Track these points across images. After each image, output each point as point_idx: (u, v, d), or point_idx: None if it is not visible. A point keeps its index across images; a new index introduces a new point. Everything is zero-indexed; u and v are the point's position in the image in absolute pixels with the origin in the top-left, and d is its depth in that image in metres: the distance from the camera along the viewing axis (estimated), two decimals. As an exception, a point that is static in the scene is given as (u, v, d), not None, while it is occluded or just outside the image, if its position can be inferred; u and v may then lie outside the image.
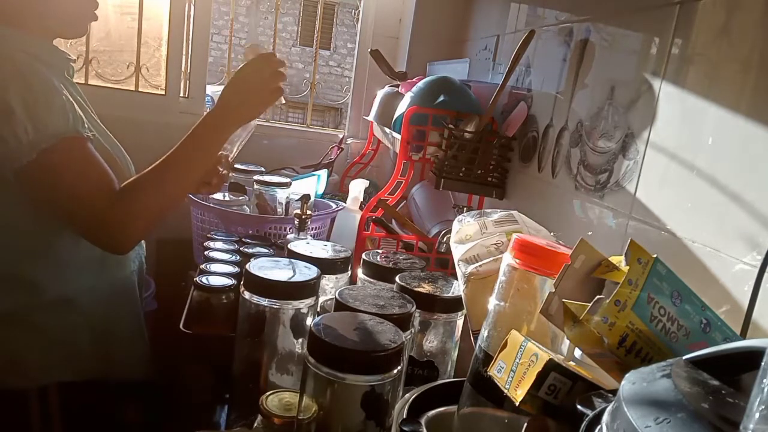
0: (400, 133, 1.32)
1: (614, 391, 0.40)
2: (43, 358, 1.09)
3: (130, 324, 1.22)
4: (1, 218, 1.02)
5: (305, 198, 1.34)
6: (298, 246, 1.02)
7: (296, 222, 1.31)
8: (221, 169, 1.24)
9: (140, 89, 2.11)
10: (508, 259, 0.63)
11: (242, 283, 0.85)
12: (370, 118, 1.80)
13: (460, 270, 0.82)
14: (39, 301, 1.07)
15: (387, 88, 1.73)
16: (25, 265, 1.06)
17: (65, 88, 1.07)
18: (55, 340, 1.10)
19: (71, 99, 1.03)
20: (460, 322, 0.88)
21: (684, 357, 0.39)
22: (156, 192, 1.02)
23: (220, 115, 1.07)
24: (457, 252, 0.84)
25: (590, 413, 0.42)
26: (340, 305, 0.77)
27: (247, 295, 0.83)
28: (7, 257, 1.05)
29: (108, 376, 1.15)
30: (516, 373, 0.53)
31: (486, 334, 0.64)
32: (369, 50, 1.80)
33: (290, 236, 1.32)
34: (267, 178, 1.63)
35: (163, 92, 2.10)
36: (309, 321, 0.84)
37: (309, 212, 1.32)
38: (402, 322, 0.74)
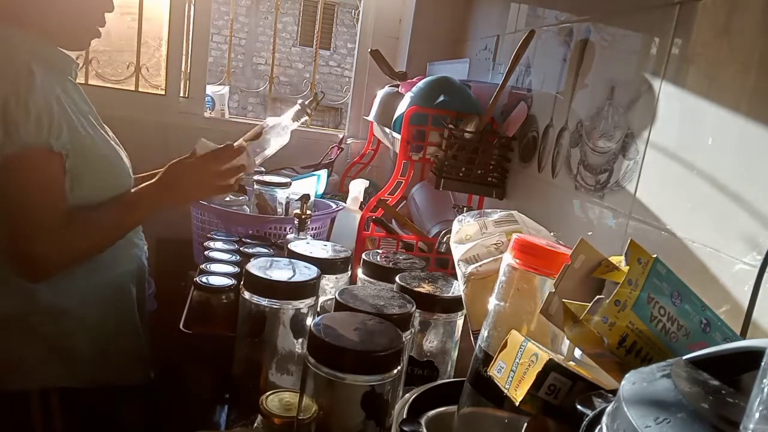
0: (400, 133, 1.32)
1: (614, 391, 0.40)
2: (41, 361, 1.09)
3: (127, 328, 1.22)
4: None
5: (305, 198, 1.34)
6: (298, 246, 1.02)
7: (296, 222, 1.31)
8: (242, 176, 1.25)
9: (140, 89, 2.11)
10: (508, 259, 0.63)
11: (242, 283, 0.85)
12: (370, 118, 1.80)
13: (460, 270, 0.82)
14: (33, 306, 1.07)
15: (387, 88, 1.73)
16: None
17: (66, 91, 1.06)
18: (52, 345, 1.09)
19: (64, 106, 1.02)
20: (460, 322, 0.88)
21: (684, 357, 0.39)
22: (85, 235, 1.06)
23: (155, 194, 1.14)
24: (457, 252, 0.84)
25: (590, 413, 0.42)
26: (340, 305, 0.77)
27: (247, 295, 0.83)
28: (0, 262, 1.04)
29: (106, 379, 1.15)
30: (516, 373, 0.53)
31: (486, 334, 0.64)
32: (369, 50, 1.80)
33: (290, 236, 1.32)
34: (267, 178, 1.62)
35: (163, 92, 2.10)
36: (309, 321, 0.84)
37: (309, 212, 1.32)
38: (402, 322, 0.74)
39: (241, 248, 1.29)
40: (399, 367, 0.65)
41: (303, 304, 0.84)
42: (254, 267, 0.85)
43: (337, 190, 2.00)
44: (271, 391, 0.77)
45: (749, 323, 0.60)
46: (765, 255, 0.56)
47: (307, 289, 0.85)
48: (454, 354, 0.90)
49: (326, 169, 1.98)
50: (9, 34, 1.00)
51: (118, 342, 1.19)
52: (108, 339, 1.16)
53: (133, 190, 1.14)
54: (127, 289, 1.21)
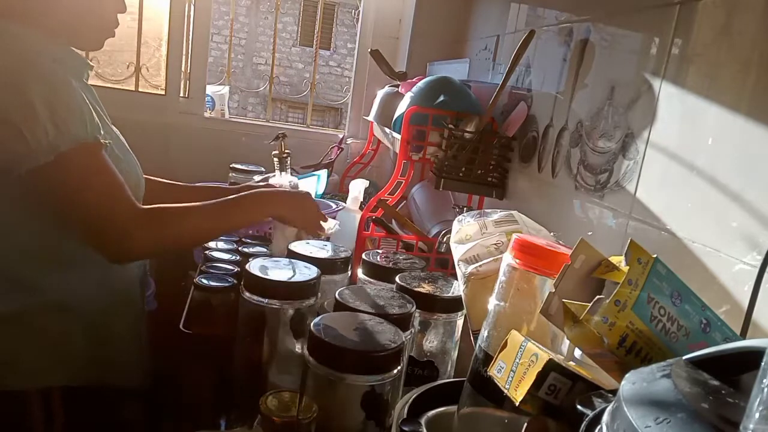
0: (400, 133, 1.32)
1: (614, 391, 0.40)
2: (40, 359, 1.09)
3: (129, 328, 1.22)
4: (4, 217, 1.02)
5: (282, 135, 1.36)
6: (298, 246, 1.02)
7: (276, 162, 1.35)
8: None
9: (140, 89, 2.11)
10: (508, 259, 0.63)
11: (242, 283, 0.85)
12: (370, 118, 1.80)
13: (460, 270, 0.82)
14: (36, 302, 1.07)
15: (387, 88, 1.73)
16: (26, 266, 1.06)
17: (83, 91, 1.07)
18: (52, 343, 1.09)
19: (89, 104, 1.03)
20: (460, 322, 0.88)
21: (684, 357, 0.39)
22: (181, 227, 1.04)
23: (264, 202, 1.13)
24: (457, 252, 0.84)
25: (590, 413, 0.42)
26: (340, 305, 0.77)
27: (247, 295, 0.83)
28: (8, 257, 1.05)
29: (105, 380, 1.15)
30: (516, 373, 0.53)
31: (486, 334, 0.64)
32: (369, 50, 1.80)
33: (265, 176, 1.36)
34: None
35: (163, 92, 2.10)
36: (309, 321, 0.84)
37: (288, 151, 1.35)
38: (402, 322, 0.74)
39: (241, 248, 1.29)
40: (399, 367, 0.65)
41: (303, 304, 0.84)
42: (254, 267, 0.85)
43: (337, 190, 2.00)
44: (271, 391, 0.77)
45: (749, 323, 0.60)
46: (765, 255, 0.56)
47: (307, 289, 0.85)
48: (454, 354, 0.90)
49: (326, 169, 1.97)
50: (24, 35, 1.00)
51: (120, 342, 1.19)
52: (110, 338, 1.16)
53: (233, 197, 1.12)
54: (134, 290, 1.21)
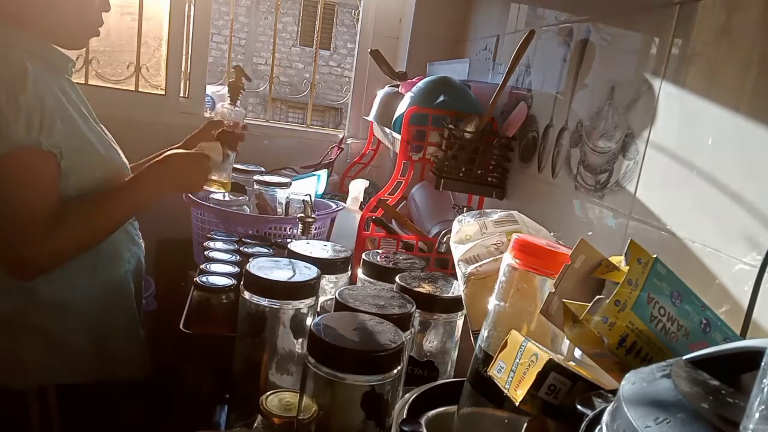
0: (400, 133, 1.32)
1: (614, 391, 0.40)
2: (41, 358, 1.09)
3: (126, 325, 1.22)
4: None
5: (239, 68, 1.41)
6: (298, 246, 1.02)
7: (228, 90, 1.38)
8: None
9: (140, 89, 2.11)
10: (508, 259, 0.63)
11: (242, 283, 0.85)
12: (370, 118, 1.80)
13: (460, 270, 0.82)
14: (33, 303, 1.07)
15: (387, 88, 1.73)
16: None
17: (62, 89, 1.06)
18: (53, 341, 1.10)
19: (60, 103, 1.02)
20: (460, 322, 0.88)
21: (684, 357, 0.39)
22: (83, 224, 1.05)
23: (150, 183, 1.16)
24: (457, 252, 0.84)
25: (590, 413, 0.42)
26: (340, 305, 0.77)
27: (247, 295, 0.83)
28: None
29: (106, 376, 1.15)
30: (516, 373, 0.53)
31: (486, 334, 0.64)
32: (369, 50, 1.80)
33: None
34: (267, 178, 1.63)
35: (163, 92, 2.10)
36: (309, 321, 0.84)
37: (243, 83, 1.38)
38: (402, 322, 0.74)
39: (241, 248, 1.29)
40: (399, 367, 0.65)
41: (303, 304, 0.84)
42: (254, 267, 0.85)
43: (337, 190, 2.00)
44: (271, 391, 0.77)
45: (749, 323, 0.60)
46: (765, 255, 0.56)
47: (307, 289, 0.85)
48: (454, 354, 0.90)
49: (326, 169, 1.98)
50: (5, 33, 1.00)
51: (118, 338, 1.19)
52: (108, 335, 1.16)
53: (122, 182, 1.14)
54: (128, 286, 1.21)
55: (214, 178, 1.26)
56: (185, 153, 1.21)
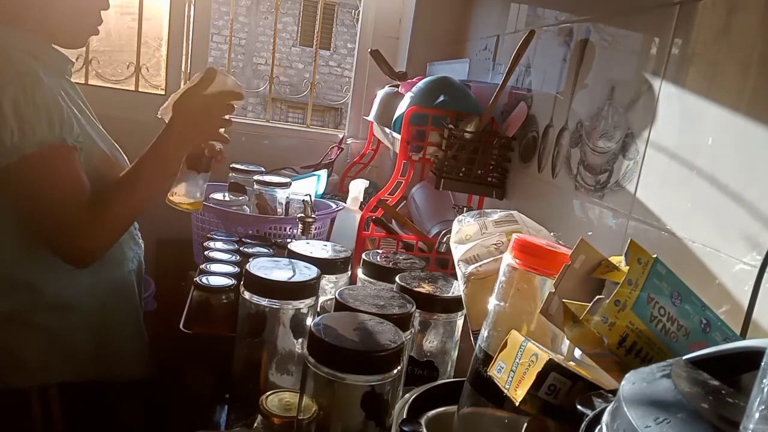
0: (400, 133, 1.32)
1: (614, 391, 0.40)
2: (43, 357, 1.09)
3: (129, 324, 1.22)
4: None
5: (308, 202, 1.36)
6: (298, 246, 1.02)
7: (300, 225, 1.33)
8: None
9: (140, 89, 2.11)
10: (508, 259, 0.63)
11: (242, 283, 0.85)
12: (370, 118, 1.80)
13: (460, 270, 0.82)
14: (38, 301, 1.07)
15: (387, 88, 1.73)
16: (21, 267, 1.06)
17: (63, 89, 1.06)
18: (55, 340, 1.10)
19: (66, 102, 1.03)
20: (460, 322, 0.88)
21: (684, 357, 0.39)
22: (125, 203, 1.06)
23: (174, 137, 1.09)
24: (457, 252, 0.84)
25: (590, 413, 0.42)
26: (340, 305, 0.77)
27: (247, 295, 0.83)
28: (4, 258, 1.05)
29: (108, 375, 1.15)
30: (516, 373, 0.53)
31: (486, 334, 0.64)
32: (369, 50, 1.80)
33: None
34: (267, 178, 1.63)
35: (163, 92, 2.10)
36: (309, 321, 0.84)
37: (313, 216, 1.33)
38: (402, 322, 0.74)
39: (241, 248, 1.29)
40: (399, 367, 0.65)
41: (303, 304, 0.84)
42: (254, 267, 0.85)
43: (337, 190, 2.00)
44: (271, 391, 0.77)
45: (749, 323, 0.60)
46: (765, 255, 0.56)
47: (307, 289, 0.85)
48: (454, 354, 0.90)
49: (326, 169, 1.98)
50: (5, 33, 1.00)
51: (122, 336, 1.19)
52: (111, 334, 1.16)
53: (143, 154, 1.10)
54: (131, 285, 1.22)
55: (185, 201, 1.16)
56: (192, 97, 1.11)
